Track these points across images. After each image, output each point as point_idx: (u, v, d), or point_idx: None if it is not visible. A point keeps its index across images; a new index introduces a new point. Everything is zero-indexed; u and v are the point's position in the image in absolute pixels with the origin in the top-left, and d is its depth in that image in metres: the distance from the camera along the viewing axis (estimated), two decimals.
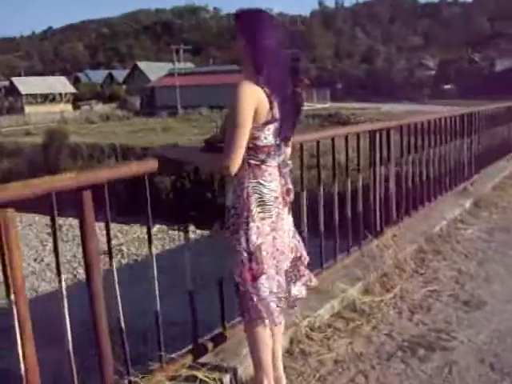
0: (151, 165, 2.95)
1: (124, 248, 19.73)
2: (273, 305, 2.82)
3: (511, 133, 11.77)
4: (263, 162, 2.77)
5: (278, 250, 2.87)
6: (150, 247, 3.15)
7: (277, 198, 2.83)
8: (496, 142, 10.57)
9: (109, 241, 2.86)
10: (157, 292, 3.10)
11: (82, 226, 2.65)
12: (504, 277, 5.22)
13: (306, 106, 48.85)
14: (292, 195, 2.94)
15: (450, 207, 7.39)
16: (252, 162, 2.75)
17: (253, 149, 2.74)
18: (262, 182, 2.78)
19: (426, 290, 4.87)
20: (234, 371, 3.24)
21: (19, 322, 2.28)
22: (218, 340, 3.50)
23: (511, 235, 6.55)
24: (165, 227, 22.09)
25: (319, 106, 49.46)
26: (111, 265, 2.89)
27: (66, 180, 2.48)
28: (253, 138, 2.71)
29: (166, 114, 45.49)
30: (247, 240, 2.76)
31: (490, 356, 3.69)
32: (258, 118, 2.68)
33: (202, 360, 3.31)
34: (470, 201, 7.87)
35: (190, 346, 3.34)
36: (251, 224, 2.75)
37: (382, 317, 4.29)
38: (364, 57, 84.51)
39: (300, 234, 3.29)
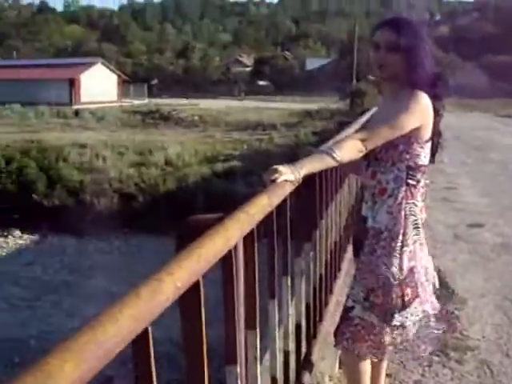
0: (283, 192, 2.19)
1: None
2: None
3: None
4: (418, 181, 2.64)
5: (426, 273, 2.72)
6: None
7: (424, 219, 2.72)
8: None
9: None
10: None
11: None
12: None
13: (124, 103, 48.22)
14: (424, 213, 2.77)
15: None
16: (410, 181, 2.61)
17: (413, 168, 2.61)
18: (416, 203, 2.63)
19: None
20: None
21: None
22: None
23: None
24: None
25: (137, 102, 48.90)
26: None
27: None
28: (415, 155, 2.60)
29: None
30: (400, 265, 2.58)
31: None
32: (424, 133, 2.59)
33: None
34: None
35: None
36: (405, 248, 2.58)
37: None
38: (179, 52, 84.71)
39: None
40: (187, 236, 1.67)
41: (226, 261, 1.59)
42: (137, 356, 1.12)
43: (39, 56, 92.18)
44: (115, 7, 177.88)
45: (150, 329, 1.10)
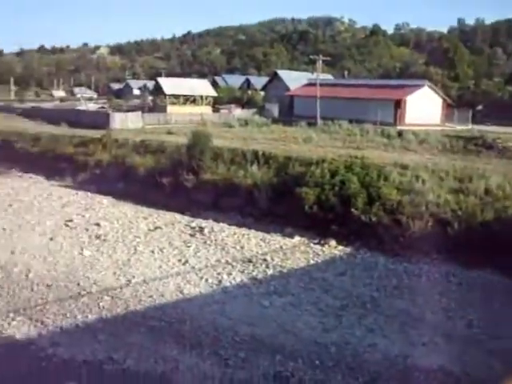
0: None
1: (268, 258, 19.71)
2: None
3: None
4: None
5: None
6: None
7: None
8: None
9: None
10: None
11: None
12: None
13: (447, 127, 47.53)
14: None
15: None
16: None
17: None
18: None
19: None
20: None
21: None
22: None
23: None
24: (305, 239, 22.02)
25: (460, 127, 47.81)
26: None
27: None
28: None
29: (304, 124, 45.57)
30: None
31: None
32: None
33: None
34: None
35: None
36: None
37: None
38: (508, 78, 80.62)
39: None
40: None
41: None
42: None
43: (367, 76, 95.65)
44: (444, 30, 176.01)
45: None
